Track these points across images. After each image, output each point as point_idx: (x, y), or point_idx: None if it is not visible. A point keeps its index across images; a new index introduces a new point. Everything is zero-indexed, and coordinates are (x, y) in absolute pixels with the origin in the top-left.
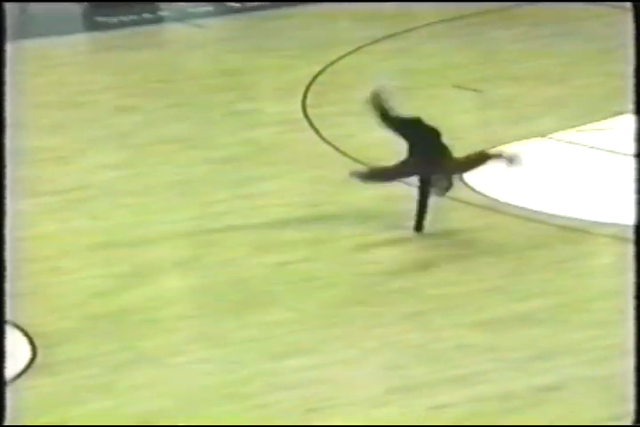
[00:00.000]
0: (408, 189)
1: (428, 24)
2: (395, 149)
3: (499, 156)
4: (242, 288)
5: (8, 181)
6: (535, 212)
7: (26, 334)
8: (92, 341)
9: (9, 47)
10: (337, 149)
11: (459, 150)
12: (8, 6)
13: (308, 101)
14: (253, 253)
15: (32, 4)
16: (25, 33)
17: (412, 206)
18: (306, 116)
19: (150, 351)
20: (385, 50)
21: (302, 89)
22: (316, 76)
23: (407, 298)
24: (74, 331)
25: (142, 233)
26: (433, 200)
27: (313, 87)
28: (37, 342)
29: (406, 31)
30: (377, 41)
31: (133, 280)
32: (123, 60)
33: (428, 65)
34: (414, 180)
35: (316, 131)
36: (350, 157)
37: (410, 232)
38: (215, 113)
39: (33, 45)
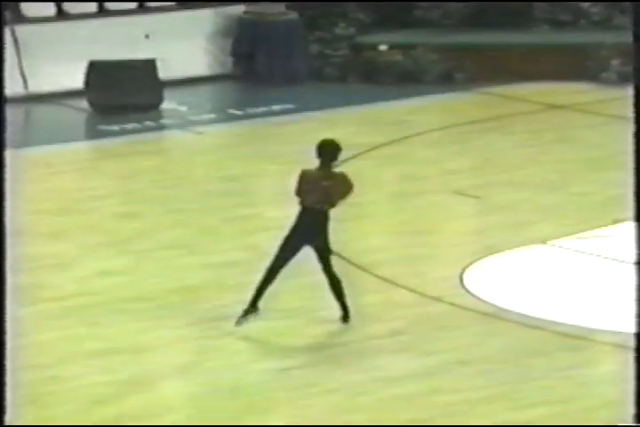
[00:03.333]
0: (409, 294)
1: (427, 131)
2: (396, 253)
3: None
4: (242, 395)
5: (8, 288)
6: (536, 318)
7: None
8: None
9: (11, 154)
10: (335, 253)
11: (457, 257)
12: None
13: None
14: (253, 358)
15: (36, 111)
16: (28, 141)
17: (419, 311)
18: None
19: None
20: (384, 156)
21: None
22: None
23: (408, 405)
24: None
25: (142, 339)
26: (435, 307)
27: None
28: None
29: (406, 137)
30: (376, 147)
31: (133, 387)
32: (124, 166)
33: (427, 171)
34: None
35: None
36: (348, 261)
37: (411, 338)
38: (215, 218)
39: (35, 153)
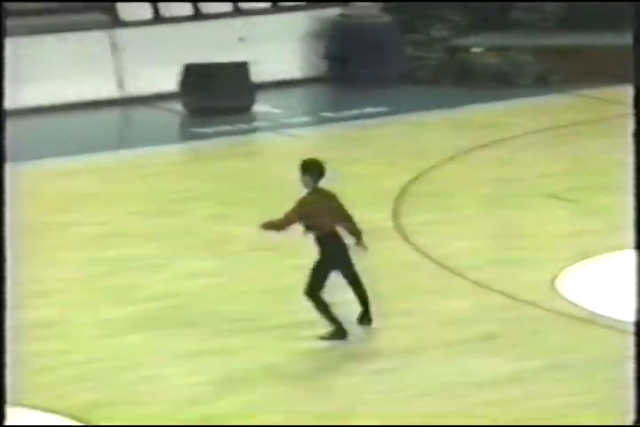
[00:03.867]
0: (501, 298)
1: (521, 134)
2: (489, 256)
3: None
4: (333, 397)
5: (105, 289)
6: (630, 324)
7: None
8: None
9: (110, 157)
10: (427, 256)
11: (551, 260)
12: (108, 115)
13: (399, 210)
14: (345, 361)
15: (131, 114)
16: (123, 143)
17: (512, 315)
18: (396, 224)
19: None
20: (478, 159)
21: (393, 197)
22: (407, 185)
23: (498, 410)
24: None
25: (233, 341)
26: (528, 311)
27: (404, 196)
28: None
29: (500, 140)
30: (470, 150)
31: (225, 388)
32: (216, 169)
33: (522, 174)
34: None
35: (406, 239)
36: (441, 264)
37: (504, 342)
38: None
39: (131, 155)
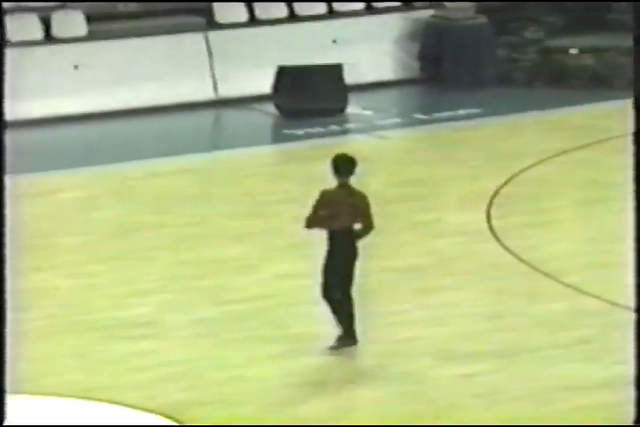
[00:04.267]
0: (597, 302)
1: (616, 136)
2: (584, 260)
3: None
4: (425, 400)
5: (197, 290)
6: None
7: None
8: None
9: (204, 158)
10: (521, 259)
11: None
12: (202, 117)
13: (492, 212)
14: (436, 364)
15: (225, 116)
16: (217, 145)
17: (607, 319)
18: (489, 226)
19: None
20: (571, 161)
21: (486, 200)
22: (500, 187)
23: (593, 416)
24: None
25: (324, 343)
26: (624, 315)
27: (497, 198)
28: None
29: (594, 143)
30: (563, 152)
31: (315, 390)
32: (308, 170)
33: (616, 177)
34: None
35: (500, 241)
36: (534, 268)
37: (600, 347)
38: (398, 223)
39: (224, 156)
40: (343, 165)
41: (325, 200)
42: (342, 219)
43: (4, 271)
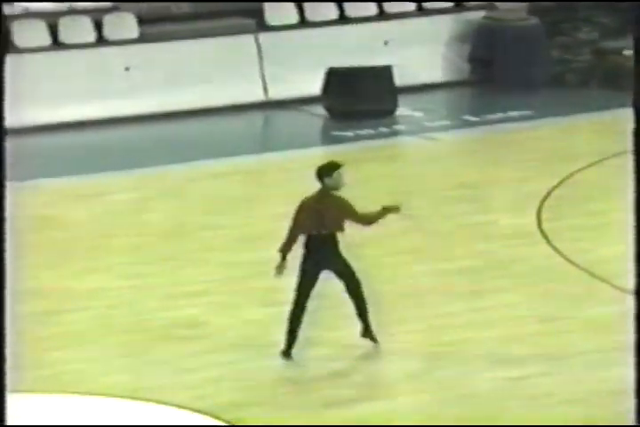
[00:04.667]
0: None
1: None
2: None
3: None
4: (473, 403)
5: (248, 291)
6: None
7: None
8: None
9: (254, 159)
10: (572, 262)
11: None
12: (251, 119)
13: (544, 215)
14: (487, 366)
15: (274, 118)
16: (266, 147)
17: None
18: (541, 229)
19: None
20: (624, 164)
21: (538, 202)
22: (552, 190)
23: None
24: None
25: (372, 345)
26: None
27: (548, 200)
28: None
29: None
30: (616, 154)
31: (365, 392)
32: (357, 173)
33: None
34: None
35: (551, 244)
36: (586, 270)
37: None
38: (449, 225)
39: (274, 158)
40: (319, 173)
41: (300, 208)
42: (308, 225)
43: (4, 271)
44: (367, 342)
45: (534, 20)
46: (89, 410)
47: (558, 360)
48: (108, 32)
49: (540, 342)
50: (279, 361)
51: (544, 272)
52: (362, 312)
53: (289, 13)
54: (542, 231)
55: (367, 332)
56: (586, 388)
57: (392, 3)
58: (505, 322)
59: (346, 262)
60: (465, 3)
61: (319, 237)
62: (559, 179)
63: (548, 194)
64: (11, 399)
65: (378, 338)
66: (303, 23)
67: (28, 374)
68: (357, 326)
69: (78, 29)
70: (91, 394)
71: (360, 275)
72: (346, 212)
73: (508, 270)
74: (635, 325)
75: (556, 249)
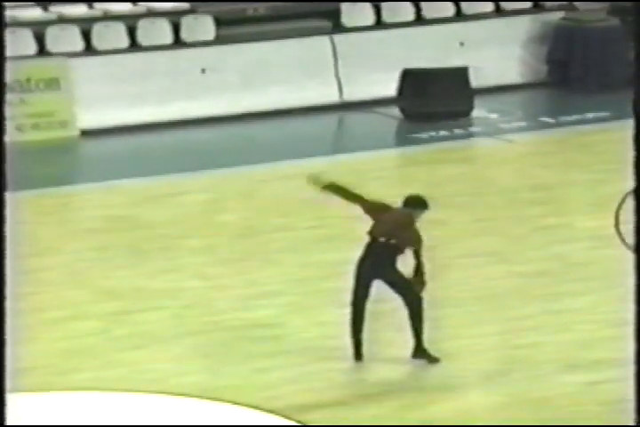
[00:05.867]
0: None
1: None
2: None
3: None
4: (548, 407)
5: (321, 292)
6: None
7: None
8: None
9: (326, 161)
10: None
11: None
12: (327, 121)
13: (621, 217)
14: (561, 370)
15: (349, 119)
16: (342, 148)
17: None
18: (618, 231)
19: None
20: None
21: (615, 204)
22: (629, 193)
23: None
24: None
25: (449, 346)
26: None
27: (626, 203)
28: None
29: None
30: None
31: (439, 394)
32: (432, 174)
33: None
34: None
35: (628, 247)
36: None
37: None
38: (524, 227)
39: (347, 159)
40: (407, 204)
41: (378, 208)
42: (379, 229)
43: (4, 271)
44: (438, 345)
45: (614, 21)
46: (163, 410)
47: (632, 366)
48: (185, 34)
49: (616, 347)
50: (352, 363)
51: (620, 276)
52: (416, 330)
53: (365, 15)
54: (619, 234)
55: (419, 351)
56: None
57: (469, 3)
58: (580, 325)
59: (401, 276)
60: (543, 3)
61: (384, 244)
62: (637, 181)
63: (625, 196)
64: (84, 398)
65: (448, 341)
66: (379, 24)
67: (102, 373)
68: (436, 327)
69: (156, 31)
70: (165, 394)
71: (434, 277)
72: (416, 244)
73: (584, 273)
74: (635, 326)
75: (633, 252)
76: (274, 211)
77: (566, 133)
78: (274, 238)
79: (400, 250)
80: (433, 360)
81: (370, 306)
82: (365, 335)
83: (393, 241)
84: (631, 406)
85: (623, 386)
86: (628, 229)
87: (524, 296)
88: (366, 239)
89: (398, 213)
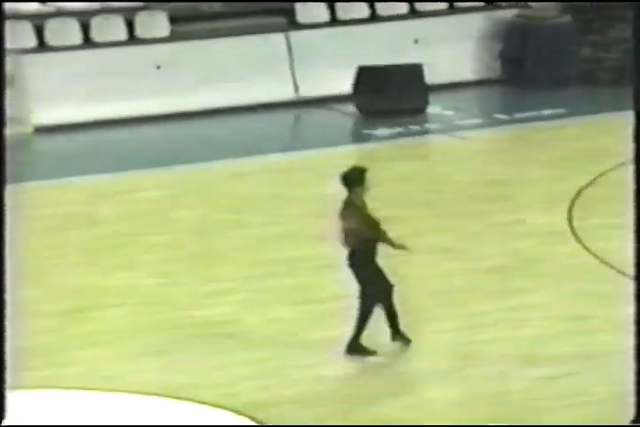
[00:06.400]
0: None
1: None
2: None
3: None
4: (504, 402)
5: (276, 289)
6: None
7: None
8: None
9: (282, 158)
10: (603, 261)
11: None
12: (282, 117)
13: (574, 213)
14: (517, 366)
15: (305, 116)
16: (296, 145)
17: None
18: (571, 228)
19: None
20: None
21: (568, 201)
22: (583, 189)
23: None
24: None
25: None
26: None
27: (579, 199)
28: None
29: None
30: None
31: (394, 390)
32: (388, 171)
33: None
34: None
35: (582, 243)
36: (617, 269)
37: None
38: (480, 224)
39: (303, 156)
40: (345, 181)
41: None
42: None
43: (4, 272)
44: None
45: (566, 19)
46: (119, 408)
47: (589, 359)
48: (140, 31)
49: (571, 342)
50: (309, 359)
51: (575, 271)
52: (392, 317)
53: (320, 12)
54: (573, 230)
55: (397, 335)
56: (617, 387)
57: (423, 2)
58: (535, 321)
59: (371, 274)
60: (497, 2)
61: (364, 246)
62: (590, 178)
63: (579, 193)
64: (41, 396)
65: (408, 337)
66: (334, 22)
67: (59, 371)
68: (384, 324)
69: (110, 28)
70: (123, 392)
71: (390, 273)
72: (363, 227)
73: (539, 269)
74: (635, 327)
75: (586, 248)
76: (229, 208)
77: (521, 130)
78: (229, 236)
79: (371, 241)
80: (409, 341)
81: (335, 303)
82: (322, 333)
83: (347, 248)
84: (588, 399)
85: (579, 380)
86: (582, 225)
87: (479, 293)
88: (320, 236)
89: (340, 218)
